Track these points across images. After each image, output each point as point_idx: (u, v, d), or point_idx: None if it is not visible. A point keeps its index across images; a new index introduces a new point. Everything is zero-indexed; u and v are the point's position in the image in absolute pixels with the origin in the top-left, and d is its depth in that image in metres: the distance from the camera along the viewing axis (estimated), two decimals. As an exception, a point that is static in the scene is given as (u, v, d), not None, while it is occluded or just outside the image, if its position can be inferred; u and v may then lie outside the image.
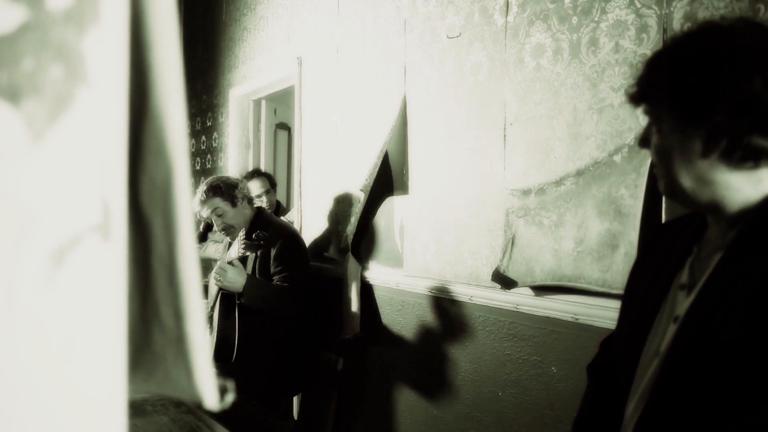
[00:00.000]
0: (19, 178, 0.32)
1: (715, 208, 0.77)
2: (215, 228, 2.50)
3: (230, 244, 2.44)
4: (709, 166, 0.74)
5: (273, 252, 2.32)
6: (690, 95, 0.73)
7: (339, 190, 2.69)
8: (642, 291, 0.89)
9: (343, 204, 2.65)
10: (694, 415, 0.72)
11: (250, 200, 2.48)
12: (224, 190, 2.37)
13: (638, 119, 1.42)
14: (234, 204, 2.37)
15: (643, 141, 0.83)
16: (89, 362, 0.32)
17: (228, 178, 2.45)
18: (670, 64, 0.76)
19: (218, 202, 2.36)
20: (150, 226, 0.34)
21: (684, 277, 0.83)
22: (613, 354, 0.95)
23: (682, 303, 0.80)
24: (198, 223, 3.83)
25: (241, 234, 2.24)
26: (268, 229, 2.31)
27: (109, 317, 0.32)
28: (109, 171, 0.33)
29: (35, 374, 0.32)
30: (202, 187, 2.40)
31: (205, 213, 2.40)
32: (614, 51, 1.48)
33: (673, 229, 0.93)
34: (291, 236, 2.43)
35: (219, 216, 2.38)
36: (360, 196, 2.48)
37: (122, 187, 0.33)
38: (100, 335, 0.32)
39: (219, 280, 2.21)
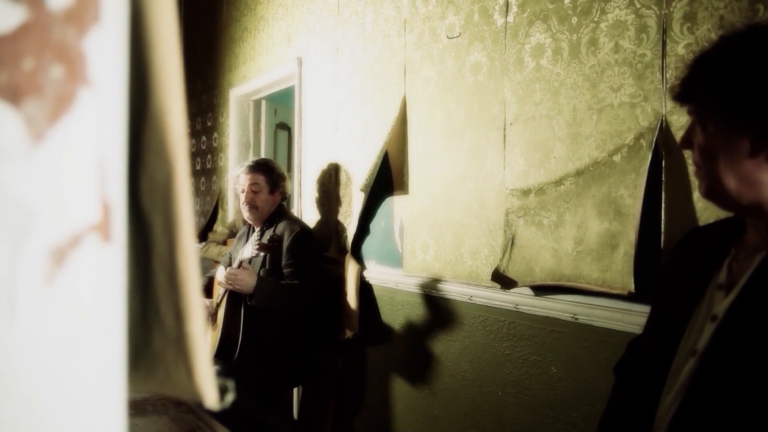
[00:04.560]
0: (19, 178, 0.32)
1: (757, 209, 0.77)
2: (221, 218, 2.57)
3: (244, 241, 2.48)
4: (756, 167, 0.74)
5: (285, 245, 2.35)
6: (739, 95, 0.73)
7: (338, 190, 2.69)
8: (676, 292, 0.89)
9: (342, 204, 2.65)
10: (730, 412, 0.72)
11: (284, 196, 2.58)
12: (273, 172, 2.45)
13: (637, 120, 1.41)
14: (272, 190, 2.50)
15: (686, 142, 0.82)
16: (89, 362, 0.32)
17: (280, 167, 2.55)
18: (718, 63, 0.76)
19: (263, 179, 2.50)
20: (150, 225, 0.34)
21: (722, 277, 0.83)
22: (641, 354, 0.95)
23: (720, 302, 0.80)
24: (205, 219, 3.85)
25: (255, 235, 2.26)
26: (283, 223, 2.37)
27: (110, 317, 0.32)
28: (110, 171, 0.33)
29: (35, 374, 0.32)
30: (257, 158, 2.51)
31: (245, 181, 2.50)
32: (614, 51, 1.48)
33: (707, 234, 0.93)
34: (303, 232, 2.45)
35: (254, 192, 2.46)
36: (360, 196, 2.48)
37: (122, 187, 0.33)
38: (101, 335, 0.32)
39: (230, 284, 2.23)
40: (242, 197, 2.48)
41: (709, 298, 0.83)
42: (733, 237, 0.86)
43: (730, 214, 0.88)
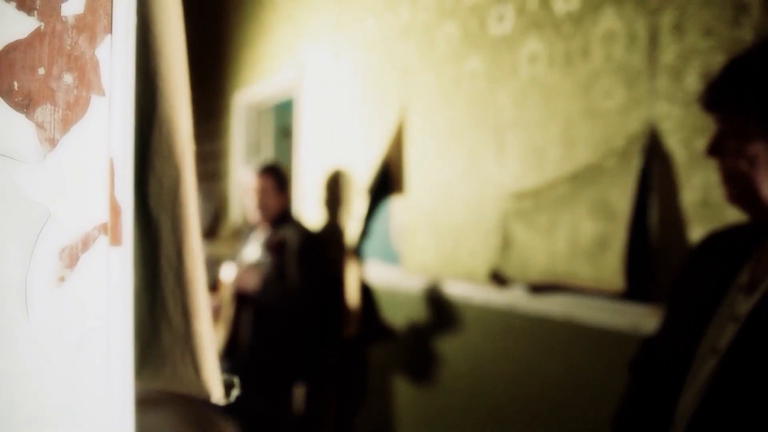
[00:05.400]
0: (32, 182, 0.33)
1: None
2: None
3: (248, 242, 2.50)
4: None
5: (291, 248, 2.36)
6: None
7: (339, 193, 2.71)
8: (695, 293, 0.89)
9: (343, 206, 2.67)
10: (751, 412, 0.72)
11: (290, 199, 2.63)
12: (280, 175, 2.53)
13: (628, 125, 1.44)
14: (279, 192, 2.55)
15: (715, 149, 0.80)
16: (100, 359, 0.33)
17: (287, 170, 2.65)
18: (760, 70, 0.75)
19: (270, 181, 2.54)
20: (158, 227, 0.35)
21: (743, 279, 0.82)
22: (658, 353, 0.95)
23: (742, 303, 0.80)
24: (215, 216, 3.87)
25: (261, 237, 2.28)
26: (291, 225, 2.40)
27: (119, 315, 0.33)
28: (119, 175, 0.34)
29: (47, 370, 0.33)
30: (265, 161, 2.56)
31: (253, 182, 2.54)
32: (605, 59, 1.50)
33: (726, 237, 0.93)
34: (310, 235, 2.47)
35: (262, 194, 2.50)
36: (360, 198, 2.50)
37: (131, 190, 0.34)
38: (111, 333, 0.33)
39: (236, 284, 2.25)
40: (250, 198, 2.51)
41: (730, 299, 0.82)
42: (754, 241, 0.85)
43: (742, 218, 0.87)
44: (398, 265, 2.33)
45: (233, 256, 2.67)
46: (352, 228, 2.56)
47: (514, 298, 1.78)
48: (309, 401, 2.69)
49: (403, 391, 2.32)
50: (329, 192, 2.80)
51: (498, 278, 1.82)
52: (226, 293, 2.42)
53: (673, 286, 0.99)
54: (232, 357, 2.30)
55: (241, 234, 2.95)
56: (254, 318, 2.31)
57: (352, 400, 2.61)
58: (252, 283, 2.23)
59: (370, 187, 2.43)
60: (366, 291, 2.52)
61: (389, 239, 2.41)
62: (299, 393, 2.76)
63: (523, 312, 1.77)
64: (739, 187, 0.79)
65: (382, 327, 2.42)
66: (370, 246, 2.53)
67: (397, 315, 2.35)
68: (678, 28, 1.33)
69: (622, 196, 1.44)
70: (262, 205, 2.47)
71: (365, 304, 2.53)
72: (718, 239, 0.94)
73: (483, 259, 1.91)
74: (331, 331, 2.66)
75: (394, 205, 2.39)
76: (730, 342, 0.77)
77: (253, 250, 2.29)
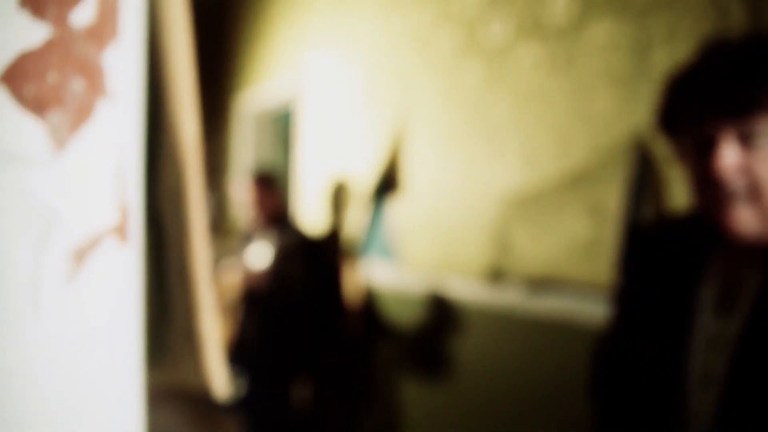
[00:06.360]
0: (43, 183, 0.34)
1: None
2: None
3: (249, 245, 2.52)
4: None
5: (290, 249, 2.38)
6: None
7: (338, 194, 2.73)
8: (654, 300, 0.83)
9: (343, 207, 2.69)
10: None
11: (287, 203, 2.62)
12: (276, 180, 2.53)
13: (620, 129, 1.48)
14: (274, 196, 2.54)
15: (718, 162, 0.68)
16: (108, 356, 0.34)
17: (283, 173, 2.66)
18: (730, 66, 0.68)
19: (263, 190, 2.54)
20: (165, 228, 0.36)
21: (710, 292, 0.76)
22: (621, 364, 0.88)
23: (723, 325, 0.75)
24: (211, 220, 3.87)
25: (261, 240, 2.30)
26: (288, 226, 2.41)
27: (127, 313, 0.34)
28: (127, 177, 0.35)
29: (57, 367, 0.34)
30: (261, 166, 2.57)
31: (249, 187, 2.53)
32: (599, 66, 1.53)
33: (674, 234, 0.87)
34: (308, 236, 2.48)
35: (257, 203, 2.50)
36: (361, 200, 2.52)
37: (139, 192, 0.35)
38: (119, 330, 0.34)
39: (241, 284, 2.27)
40: (244, 208, 2.52)
41: (705, 319, 0.76)
42: (709, 242, 0.78)
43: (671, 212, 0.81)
44: (398, 264, 2.35)
45: (235, 258, 2.69)
46: (353, 228, 2.58)
47: (512, 296, 1.80)
48: (311, 400, 2.70)
49: (404, 390, 2.33)
50: (330, 193, 2.82)
51: (496, 277, 1.85)
52: (231, 293, 2.44)
53: (623, 283, 0.92)
54: (236, 356, 2.32)
55: (241, 235, 2.96)
56: (259, 317, 2.33)
57: (354, 399, 2.62)
58: (256, 283, 2.25)
59: (371, 188, 2.45)
60: (367, 290, 2.54)
61: (389, 240, 2.43)
62: (302, 391, 2.78)
63: (520, 311, 1.79)
64: (754, 204, 0.69)
65: (382, 326, 2.44)
66: (371, 246, 2.55)
67: (397, 314, 2.37)
68: (669, 35, 1.35)
69: (614, 198, 1.48)
70: (257, 213, 2.49)
71: (366, 304, 2.54)
72: (665, 235, 0.89)
73: (481, 259, 1.93)
74: (333, 331, 2.67)
75: (395, 207, 2.41)
76: (727, 370, 0.72)
77: (255, 252, 2.31)
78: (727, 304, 0.75)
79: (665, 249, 0.86)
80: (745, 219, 0.67)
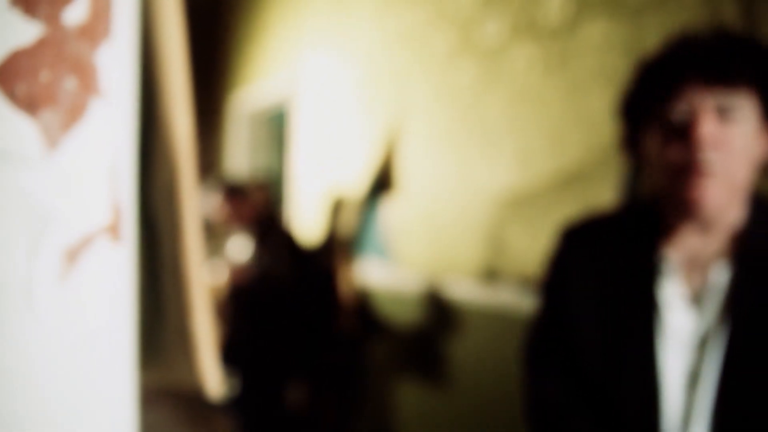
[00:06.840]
0: (36, 183, 0.34)
1: (725, 214, 0.72)
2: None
3: (236, 243, 2.51)
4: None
5: (274, 248, 2.37)
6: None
7: (334, 195, 2.73)
8: (601, 300, 0.80)
9: (340, 208, 2.68)
10: None
11: (271, 203, 2.61)
12: (242, 190, 2.51)
13: (614, 128, 1.47)
14: (246, 204, 2.51)
15: (695, 130, 0.69)
16: (102, 355, 0.34)
17: (265, 175, 2.64)
18: (756, 48, 0.71)
19: (233, 204, 2.51)
20: (158, 227, 0.36)
21: (672, 288, 0.75)
22: (568, 357, 0.85)
23: (690, 320, 0.74)
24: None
25: (247, 239, 2.29)
26: (272, 227, 2.40)
27: (121, 312, 0.34)
28: (120, 176, 0.35)
29: (51, 367, 0.34)
30: (226, 181, 2.57)
31: (222, 211, 2.51)
32: (593, 65, 1.54)
33: (609, 229, 0.87)
34: (293, 235, 2.48)
35: (231, 216, 2.48)
36: (357, 200, 2.52)
37: (132, 191, 0.35)
38: (113, 329, 0.34)
39: (232, 282, 2.27)
40: (220, 216, 2.50)
41: (671, 312, 0.74)
42: (653, 242, 0.77)
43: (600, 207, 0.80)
44: (393, 264, 2.35)
45: (219, 256, 2.69)
46: (349, 228, 2.58)
47: (506, 296, 1.81)
48: (308, 400, 2.70)
49: (402, 390, 2.33)
50: (325, 194, 2.81)
51: (493, 277, 1.84)
52: (221, 291, 2.44)
53: (555, 279, 0.91)
54: (230, 354, 2.31)
55: (224, 236, 2.95)
56: (248, 315, 2.33)
57: (351, 398, 2.62)
58: (240, 279, 2.26)
59: (366, 188, 2.46)
60: (363, 290, 2.54)
61: (384, 239, 2.43)
62: (298, 391, 2.77)
63: (515, 310, 1.79)
64: (719, 175, 0.71)
65: (377, 325, 2.44)
66: (366, 245, 2.55)
67: (394, 313, 2.37)
68: (663, 35, 1.36)
69: (608, 197, 1.48)
70: (234, 222, 2.50)
71: (362, 303, 2.54)
72: (599, 231, 0.89)
73: (475, 258, 1.93)
74: (328, 329, 2.67)
75: (390, 206, 2.41)
76: (720, 375, 0.71)
77: (239, 249, 2.31)
78: (695, 299, 0.74)
79: (596, 246, 0.86)
80: (711, 191, 0.69)
